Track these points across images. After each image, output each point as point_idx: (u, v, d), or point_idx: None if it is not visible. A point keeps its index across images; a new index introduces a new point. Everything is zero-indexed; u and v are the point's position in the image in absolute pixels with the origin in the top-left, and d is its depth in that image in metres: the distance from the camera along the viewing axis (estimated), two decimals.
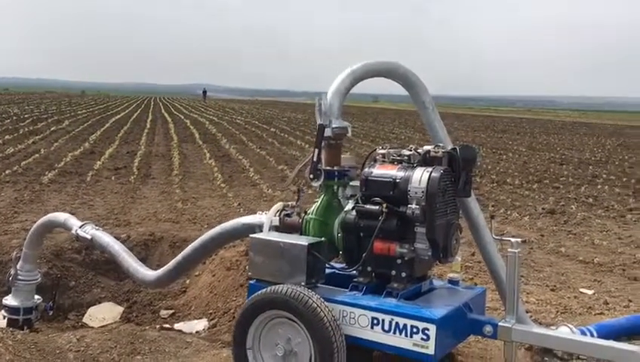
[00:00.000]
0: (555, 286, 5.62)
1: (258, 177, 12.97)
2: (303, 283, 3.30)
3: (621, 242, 7.75)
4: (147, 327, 4.51)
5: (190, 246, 4.39)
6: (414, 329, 3.06)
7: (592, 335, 3.98)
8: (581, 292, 5.44)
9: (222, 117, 40.46)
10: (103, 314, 6.29)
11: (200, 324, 5.65)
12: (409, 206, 3.23)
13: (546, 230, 8.43)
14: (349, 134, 3.69)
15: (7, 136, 19.26)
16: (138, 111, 42.72)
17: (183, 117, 37.97)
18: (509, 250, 3.25)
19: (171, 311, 6.25)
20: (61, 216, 5.32)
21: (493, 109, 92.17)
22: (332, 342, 3.06)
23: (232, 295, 6.15)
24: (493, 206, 10.09)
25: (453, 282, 3.70)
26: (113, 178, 12.27)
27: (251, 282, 3.55)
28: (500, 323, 3.23)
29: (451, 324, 3.18)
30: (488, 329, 3.25)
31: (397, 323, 3.11)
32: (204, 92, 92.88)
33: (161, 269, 4.58)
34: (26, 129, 22.70)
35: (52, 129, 23.43)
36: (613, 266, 6.47)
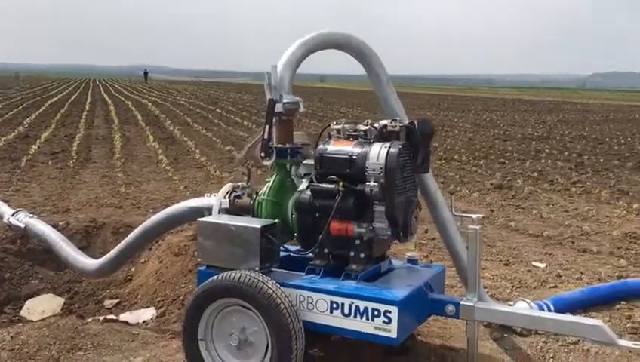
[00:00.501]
0: (508, 260, 5.62)
1: (204, 159, 12.61)
2: (256, 268, 3.10)
3: (568, 215, 7.88)
4: (89, 320, 4.21)
5: (133, 232, 4.12)
6: (375, 313, 2.92)
7: (549, 309, 3.97)
8: (534, 266, 5.46)
9: (165, 98, 39.40)
10: (43, 306, 5.92)
11: (147, 313, 5.39)
12: (367, 183, 3.07)
13: (495, 205, 8.49)
14: (302, 109, 3.49)
15: None
16: (76, 94, 41.08)
17: (124, 98, 36.76)
18: (470, 226, 3.15)
19: (116, 301, 5.94)
20: None
21: (435, 88, 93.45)
22: (290, 329, 2.89)
23: (180, 281, 5.89)
24: (442, 182, 10.12)
25: (412, 261, 3.58)
26: (50, 163, 11.67)
27: (201, 268, 3.33)
28: (462, 302, 3.13)
29: (413, 305, 3.05)
30: (450, 308, 3.15)
31: (357, 306, 2.96)
32: (146, 73, 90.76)
33: (103, 258, 4.30)
34: None
35: None
36: (562, 239, 6.55)
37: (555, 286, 4.82)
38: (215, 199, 3.58)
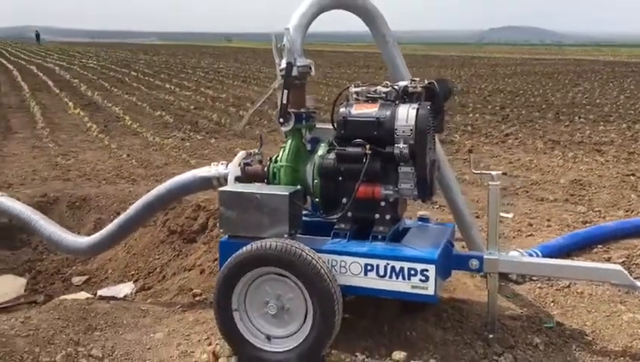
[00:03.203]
0: (476, 213, 5.85)
1: (137, 125, 12.09)
2: (285, 235, 3.08)
3: (513, 166, 8.28)
4: (92, 299, 4.02)
5: (134, 205, 3.92)
6: (412, 272, 2.99)
7: (538, 256, 4.21)
8: (502, 217, 5.72)
9: (70, 62, 37.07)
10: (4, 288, 5.58)
11: (126, 288, 5.23)
12: (396, 145, 3.09)
13: None
14: (313, 73, 3.43)
15: None
16: None
17: (25, 63, 34.28)
18: (490, 183, 3.26)
19: (85, 277, 5.71)
20: None
21: (346, 45, 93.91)
22: (331, 293, 2.91)
23: (153, 253, 5.75)
24: None
25: (423, 220, 3.68)
26: None
27: (222, 240, 3.25)
28: (485, 256, 3.26)
29: (444, 262, 3.15)
30: (475, 262, 3.27)
31: (393, 266, 3.01)
32: (37, 34, 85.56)
33: (97, 234, 4.08)
34: None
35: None
36: (516, 189, 6.89)
37: (531, 235, 5.11)
38: (230, 167, 3.48)
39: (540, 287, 4.05)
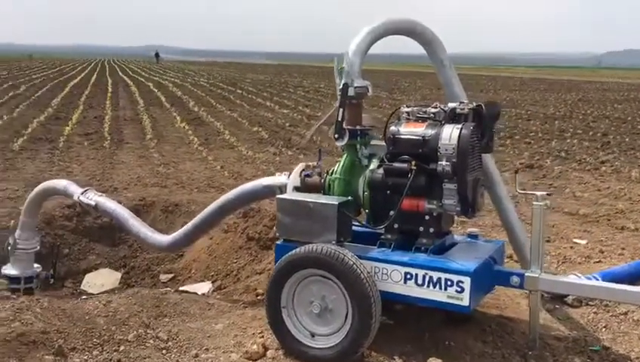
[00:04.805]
0: (549, 237, 5.81)
1: (234, 140, 12.86)
2: (333, 242, 3.34)
3: (601, 194, 8.04)
4: (167, 290, 4.49)
5: (207, 208, 4.36)
6: (449, 282, 3.15)
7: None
8: (575, 243, 5.65)
9: (184, 79, 39.63)
10: (102, 280, 6.24)
11: (205, 287, 5.67)
12: (439, 163, 3.28)
13: (526, 184, 8.66)
14: (370, 93, 3.69)
15: None
16: (95, 75, 41.40)
17: (143, 80, 37.03)
18: (535, 203, 3.35)
19: (171, 275, 6.24)
20: (60, 183, 5.19)
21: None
22: (370, 296, 3.13)
23: (231, 257, 6.17)
24: None
25: (472, 236, 3.80)
26: (86, 143, 11.98)
27: (278, 243, 3.57)
28: (527, 274, 3.35)
29: (482, 276, 3.28)
30: (516, 279, 3.37)
31: (431, 277, 3.19)
32: (157, 54, 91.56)
33: (177, 233, 4.55)
34: None
35: (9, 94, 22.56)
36: (598, 217, 6.73)
37: (600, 261, 5.03)
38: (290, 178, 3.80)
39: (595, 312, 4.03)
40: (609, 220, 6.61)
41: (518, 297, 4.20)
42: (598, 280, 4.20)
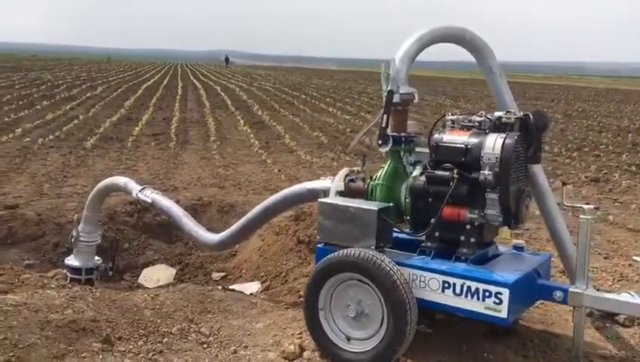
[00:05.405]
0: (607, 254, 5.61)
1: (294, 144, 13.03)
2: (372, 247, 3.36)
3: None
4: (212, 287, 4.64)
5: (254, 209, 4.47)
6: (487, 293, 3.11)
7: None
8: (634, 261, 5.42)
9: (250, 83, 40.45)
10: (158, 275, 6.48)
11: (254, 286, 5.79)
12: (481, 172, 3.24)
13: (591, 198, 8.35)
14: (416, 100, 3.69)
15: (44, 102, 19.59)
16: (167, 78, 42.89)
17: (212, 83, 38.07)
18: (581, 216, 3.26)
19: (223, 274, 6.40)
20: (121, 180, 5.45)
21: (524, 76, 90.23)
22: (405, 303, 3.12)
23: (281, 259, 6.27)
24: None
25: (518, 248, 3.73)
26: (153, 144, 12.45)
27: (319, 246, 3.62)
28: (570, 289, 3.26)
29: (522, 289, 3.22)
30: (559, 294, 3.28)
31: (469, 286, 3.15)
32: (227, 58, 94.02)
33: (225, 232, 4.69)
34: (62, 95, 23.03)
35: (87, 95, 23.74)
36: None
37: None
38: (334, 182, 3.85)
39: None
40: None
41: (567, 313, 4.06)
42: None
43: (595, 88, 52.78)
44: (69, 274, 5.52)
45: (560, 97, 36.09)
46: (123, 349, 3.33)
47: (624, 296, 3.53)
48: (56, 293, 3.72)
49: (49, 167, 9.46)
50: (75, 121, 15.20)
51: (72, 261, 5.54)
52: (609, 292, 4.42)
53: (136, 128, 14.37)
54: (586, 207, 3.25)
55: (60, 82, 31.17)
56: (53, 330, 3.26)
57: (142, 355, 3.29)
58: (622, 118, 22.58)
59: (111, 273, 5.86)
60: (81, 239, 5.50)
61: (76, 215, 5.78)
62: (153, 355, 3.30)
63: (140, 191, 5.18)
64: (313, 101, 25.91)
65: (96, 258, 5.69)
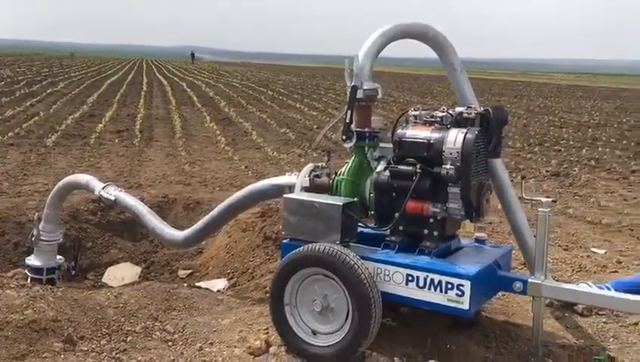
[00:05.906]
0: (567, 246, 5.76)
1: (261, 140, 13.00)
2: (337, 242, 3.38)
3: (627, 203, 7.89)
4: (178, 285, 4.60)
5: (218, 206, 4.45)
6: (449, 286, 3.16)
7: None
8: (593, 252, 5.58)
9: (217, 80, 40.15)
10: (122, 274, 6.38)
11: (220, 283, 5.76)
12: (443, 166, 3.29)
13: (551, 192, 8.55)
14: (380, 96, 3.72)
15: (4, 99, 19.11)
16: (132, 74, 42.25)
17: (178, 80, 37.66)
18: (540, 209, 3.33)
19: (189, 271, 6.35)
20: (83, 178, 5.36)
21: (489, 72, 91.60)
22: (369, 297, 3.15)
23: (248, 255, 6.24)
24: None
25: (480, 241, 3.80)
26: (117, 141, 12.27)
27: (284, 241, 3.63)
28: (530, 280, 3.34)
29: (484, 281, 3.28)
30: (518, 285, 3.36)
31: (432, 279, 3.20)
32: (193, 54, 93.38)
33: (189, 229, 4.66)
34: (22, 91, 22.49)
35: (48, 91, 23.25)
36: (621, 227, 6.61)
37: (615, 271, 4.95)
38: (298, 178, 3.86)
39: (605, 322, 3.98)
40: (632, 230, 6.49)
41: (528, 304, 4.15)
42: (610, 289, 4.15)
43: (557, 85, 53.95)
44: (29, 275, 5.40)
45: (523, 93, 36.79)
46: (85, 348, 3.29)
47: (582, 287, 3.64)
48: (16, 293, 3.65)
49: (8, 166, 9.24)
50: (36, 118, 14.87)
51: (32, 261, 5.42)
52: (568, 282, 4.56)
53: (100, 125, 14.13)
54: (544, 200, 3.33)
55: (20, 78, 30.44)
56: (12, 331, 3.20)
57: (105, 354, 3.25)
58: (582, 113, 23.14)
59: (74, 272, 5.76)
60: (42, 238, 5.39)
61: (37, 214, 5.66)
62: (117, 354, 3.27)
63: (102, 188, 5.10)
64: (280, 97, 25.87)
65: (59, 257, 5.58)
